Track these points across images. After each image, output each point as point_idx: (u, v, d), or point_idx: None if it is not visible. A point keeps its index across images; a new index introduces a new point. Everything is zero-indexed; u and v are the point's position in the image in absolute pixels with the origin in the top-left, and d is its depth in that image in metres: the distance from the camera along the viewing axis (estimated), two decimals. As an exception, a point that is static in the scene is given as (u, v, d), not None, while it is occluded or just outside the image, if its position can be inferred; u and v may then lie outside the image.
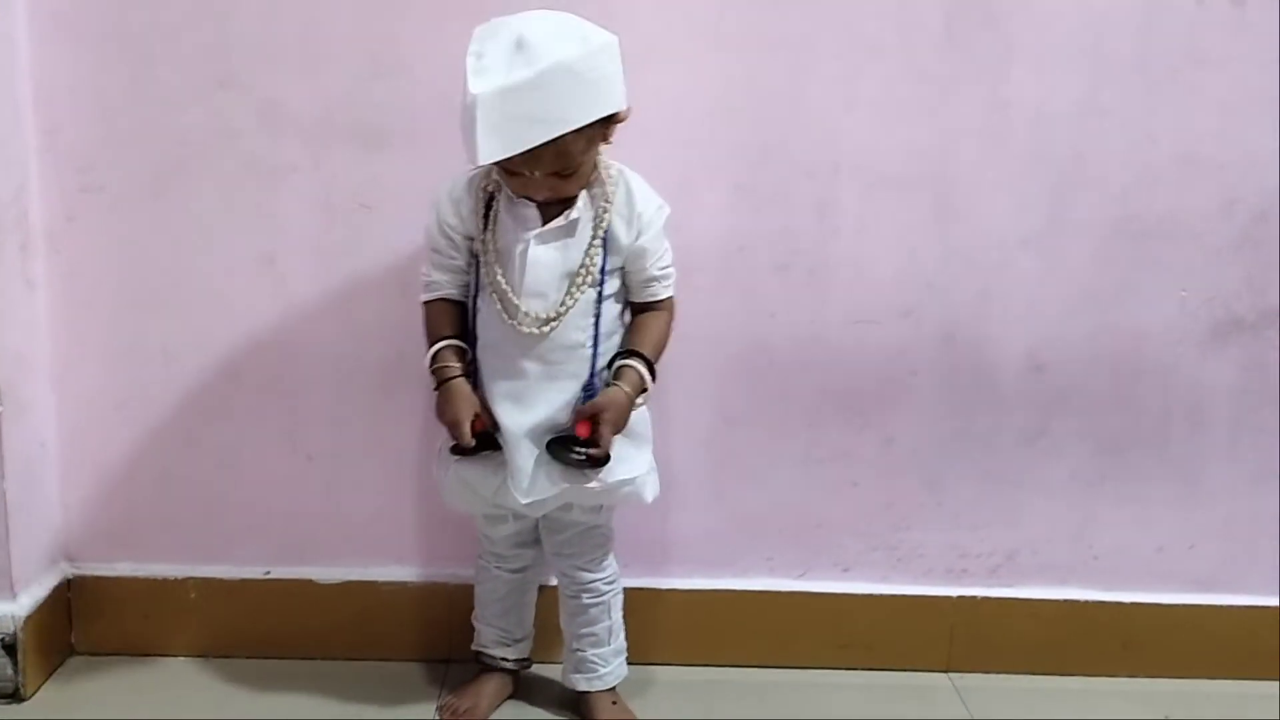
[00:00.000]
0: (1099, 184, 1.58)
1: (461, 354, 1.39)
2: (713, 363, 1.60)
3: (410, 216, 1.45)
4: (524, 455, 1.36)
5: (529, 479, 1.36)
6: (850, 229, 1.57)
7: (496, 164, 1.26)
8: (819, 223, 1.56)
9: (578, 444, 1.33)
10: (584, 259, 1.34)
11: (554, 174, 1.28)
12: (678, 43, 1.47)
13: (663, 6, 1.46)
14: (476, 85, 1.21)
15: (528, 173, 1.27)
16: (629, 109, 1.30)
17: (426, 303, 1.41)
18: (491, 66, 1.21)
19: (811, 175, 1.55)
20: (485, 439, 1.36)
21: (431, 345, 1.40)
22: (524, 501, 1.37)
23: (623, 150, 1.35)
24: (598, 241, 1.34)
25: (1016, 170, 1.56)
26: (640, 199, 1.36)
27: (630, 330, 1.41)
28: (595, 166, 1.34)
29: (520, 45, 1.21)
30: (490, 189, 1.36)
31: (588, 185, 1.34)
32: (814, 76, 1.52)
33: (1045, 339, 1.62)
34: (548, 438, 1.35)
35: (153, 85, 1.48)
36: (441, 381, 1.37)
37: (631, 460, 1.41)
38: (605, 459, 1.34)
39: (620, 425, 1.35)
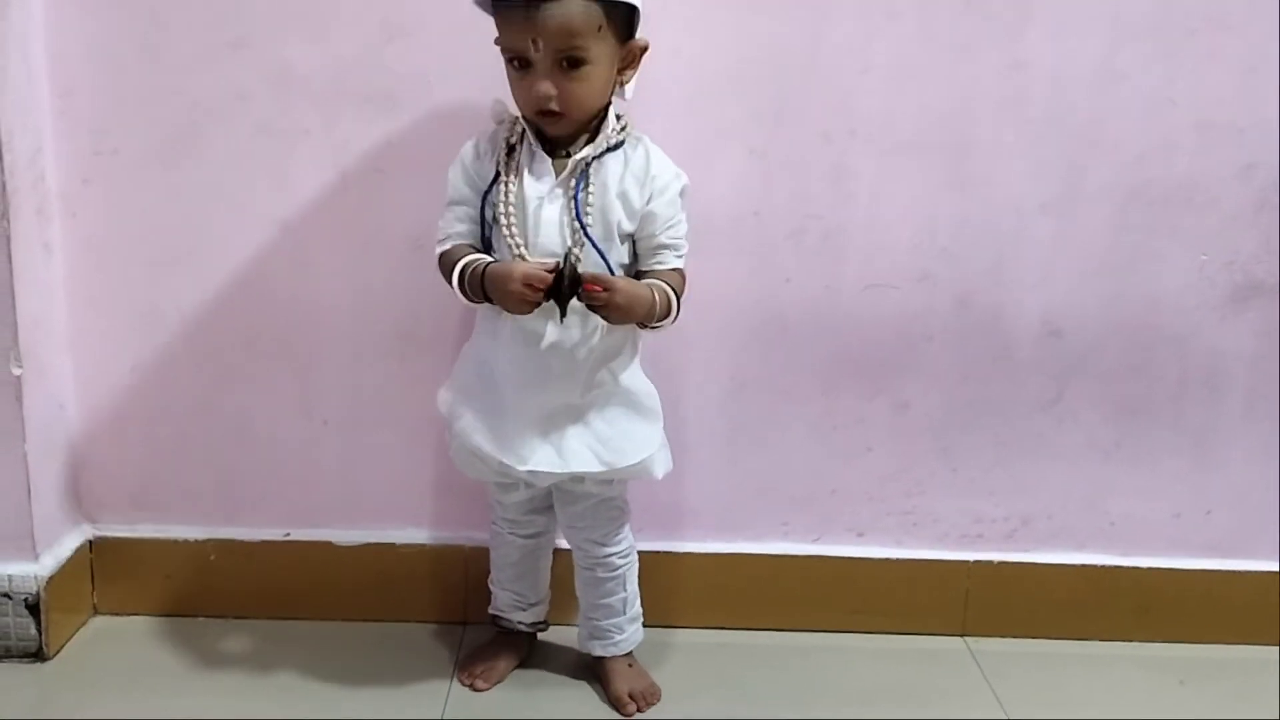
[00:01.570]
0: (1116, 148, 1.56)
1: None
2: (727, 328, 1.60)
3: (423, 180, 1.45)
4: (527, 422, 1.36)
5: (529, 447, 1.36)
6: (865, 194, 1.56)
7: (502, 47, 1.26)
8: (834, 188, 1.55)
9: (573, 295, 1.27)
10: (589, 211, 1.32)
11: (560, 65, 1.25)
12: (692, 5, 1.46)
13: None
14: None
15: (533, 48, 1.24)
16: (648, 44, 1.30)
17: (443, 252, 1.37)
18: None
19: (827, 140, 1.53)
20: (559, 277, 1.26)
21: (456, 269, 1.33)
22: (521, 469, 1.37)
23: (638, 113, 1.35)
24: (592, 190, 1.32)
25: (1033, 135, 1.55)
26: (657, 164, 1.35)
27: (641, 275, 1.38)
28: (609, 110, 1.33)
29: None
30: (513, 140, 1.34)
31: (602, 127, 1.32)
32: (829, 40, 1.51)
33: (1061, 305, 1.61)
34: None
35: (166, 48, 1.48)
36: (483, 272, 1.30)
37: (642, 439, 1.41)
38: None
39: (628, 314, 1.30)
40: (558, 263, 1.26)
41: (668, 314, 1.34)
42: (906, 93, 1.53)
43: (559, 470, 1.37)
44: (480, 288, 1.31)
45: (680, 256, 1.38)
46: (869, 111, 1.53)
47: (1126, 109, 1.55)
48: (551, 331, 1.32)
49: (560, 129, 1.31)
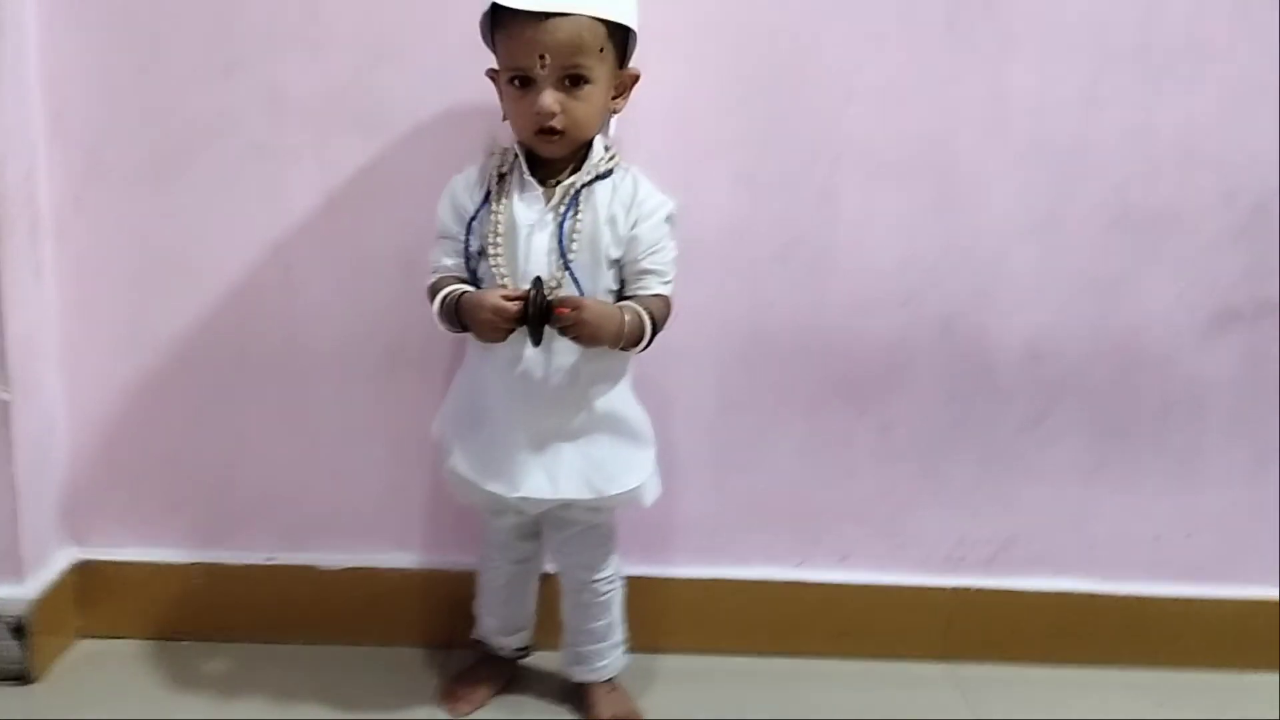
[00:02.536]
0: (1099, 174, 1.58)
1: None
2: (713, 350, 1.61)
3: (412, 201, 1.46)
4: (518, 448, 1.37)
5: (521, 473, 1.37)
6: (851, 217, 1.58)
7: (504, 66, 1.28)
8: (820, 211, 1.57)
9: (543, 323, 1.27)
10: (576, 238, 1.33)
11: (562, 83, 1.27)
12: (680, 33, 1.48)
13: None
14: None
15: (539, 64, 1.26)
16: (639, 74, 1.33)
17: (430, 284, 1.38)
18: None
19: (812, 164, 1.56)
20: (526, 305, 1.26)
21: (436, 301, 1.35)
22: (512, 496, 1.38)
23: (627, 137, 1.37)
24: (580, 216, 1.33)
25: (1017, 160, 1.57)
26: (644, 190, 1.36)
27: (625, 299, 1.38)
28: (604, 135, 1.35)
29: None
30: (504, 169, 1.35)
31: (590, 154, 1.34)
32: (815, 66, 1.53)
33: (1044, 328, 1.63)
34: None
35: (158, 70, 1.49)
36: (457, 301, 1.32)
37: (635, 467, 1.41)
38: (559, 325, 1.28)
39: (596, 333, 1.28)
40: (528, 290, 1.26)
41: (641, 337, 1.33)
42: (892, 118, 1.55)
43: (550, 496, 1.38)
44: (457, 317, 1.32)
45: (665, 283, 1.37)
46: (855, 136, 1.55)
47: (1109, 136, 1.57)
48: (527, 355, 1.32)
49: (557, 150, 1.32)
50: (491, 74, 1.34)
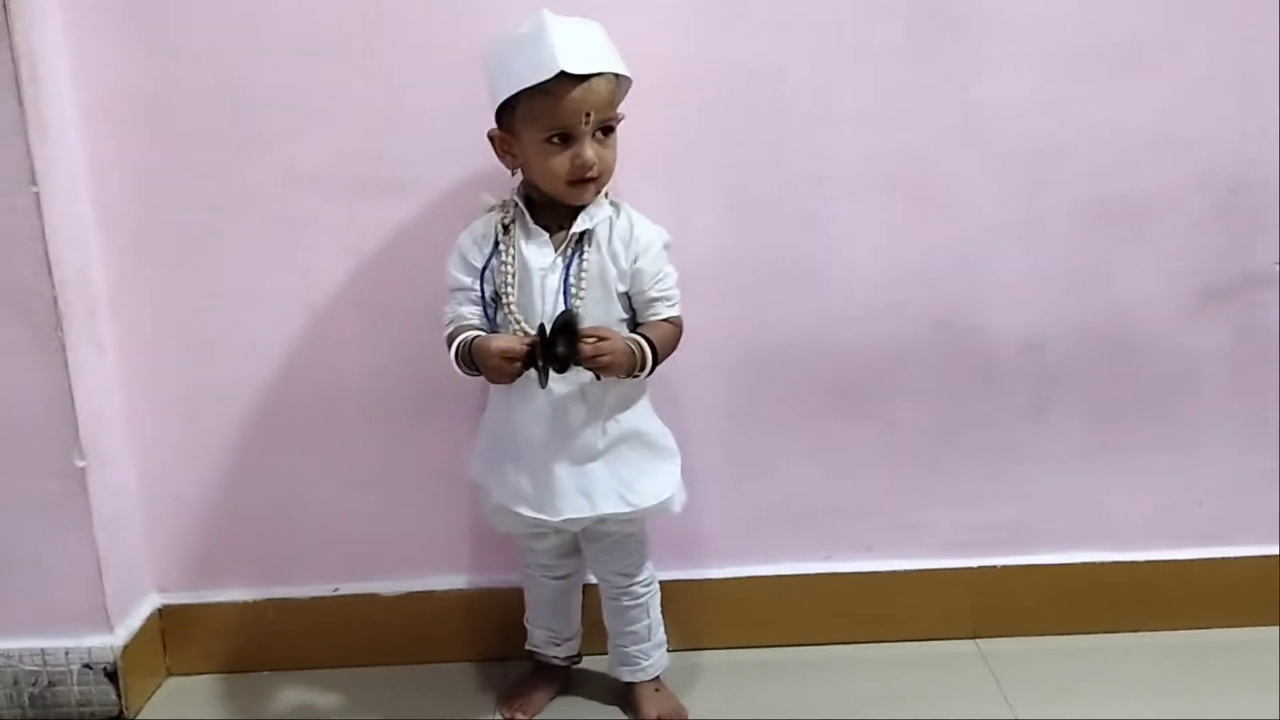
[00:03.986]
0: (1076, 171, 1.64)
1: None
2: (720, 368, 1.70)
3: (428, 256, 1.56)
4: (554, 476, 1.46)
5: (561, 499, 1.46)
6: (837, 234, 1.65)
7: (543, 126, 1.37)
8: (807, 231, 1.65)
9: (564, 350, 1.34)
10: (584, 277, 1.43)
11: (595, 135, 1.38)
12: (659, 74, 1.54)
13: (644, 41, 1.51)
14: (529, 22, 1.35)
15: (583, 124, 1.36)
16: (624, 115, 1.43)
17: (446, 336, 1.47)
18: (532, 22, 1.36)
19: (796, 187, 1.63)
20: (536, 347, 1.34)
21: (451, 349, 1.44)
22: (556, 520, 1.47)
23: (620, 175, 1.46)
24: (586, 259, 1.43)
25: (994, 166, 1.64)
26: (639, 225, 1.47)
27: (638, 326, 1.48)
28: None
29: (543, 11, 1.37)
30: (507, 221, 1.45)
31: (596, 202, 1.44)
32: (789, 95, 1.60)
33: (1037, 321, 1.69)
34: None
35: (188, 156, 1.60)
36: (469, 347, 1.41)
37: (663, 478, 1.51)
38: (572, 363, 1.35)
39: (614, 364, 1.37)
40: (534, 336, 1.35)
41: (645, 364, 1.43)
42: (868, 138, 1.62)
43: (589, 515, 1.47)
44: (470, 362, 1.43)
45: (672, 306, 1.48)
46: (833, 158, 1.63)
47: (1082, 133, 1.63)
48: (550, 387, 1.42)
49: (589, 197, 1.43)
50: (500, 135, 1.43)
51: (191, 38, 1.57)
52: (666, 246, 1.48)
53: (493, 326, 1.47)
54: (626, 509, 1.48)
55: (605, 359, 1.36)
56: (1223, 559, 1.77)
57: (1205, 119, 1.63)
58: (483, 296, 1.46)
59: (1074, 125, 1.63)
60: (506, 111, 1.41)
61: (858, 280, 1.67)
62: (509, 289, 1.43)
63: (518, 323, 1.43)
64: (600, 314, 1.44)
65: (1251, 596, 1.77)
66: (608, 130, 1.41)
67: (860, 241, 1.66)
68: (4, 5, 1.43)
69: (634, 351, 1.41)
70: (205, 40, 1.57)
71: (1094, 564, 1.78)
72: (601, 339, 1.36)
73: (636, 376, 1.44)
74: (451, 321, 1.48)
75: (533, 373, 1.37)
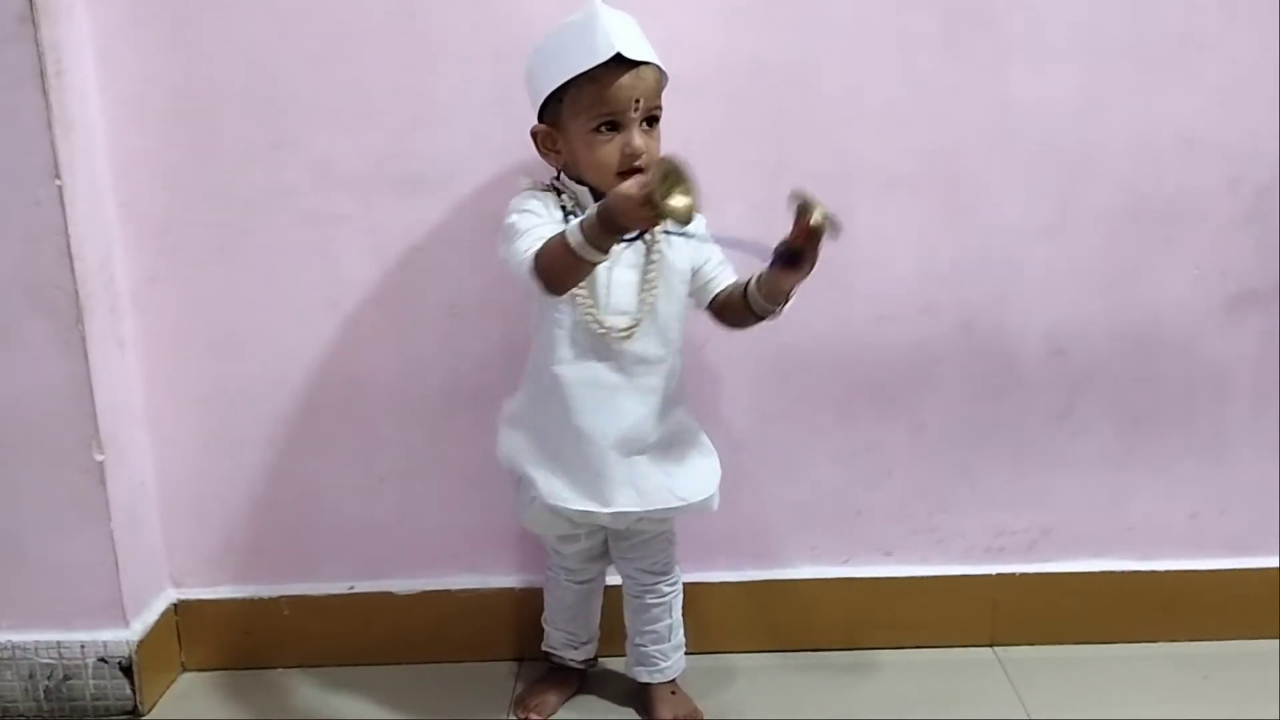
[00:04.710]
0: (1106, 171, 1.64)
1: None
2: (747, 366, 1.69)
3: (455, 253, 1.57)
4: (612, 465, 1.43)
5: (612, 490, 1.43)
6: (867, 232, 1.63)
7: (593, 114, 1.35)
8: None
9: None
10: (651, 268, 1.43)
11: (642, 124, 1.37)
12: (688, 70, 1.53)
13: (676, 37, 1.52)
14: (583, 12, 1.34)
15: (634, 107, 1.35)
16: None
17: (535, 252, 1.32)
18: (583, 11, 1.35)
19: (824, 185, 1.56)
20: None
21: (567, 234, 1.28)
22: (607, 512, 1.44)
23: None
24: (657, 251, 1.43)
25: (1024, 165, 1.63)
26: None
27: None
28: None
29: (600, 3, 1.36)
30: (569, 207, 1.42)
31: None
32: (819, 93, 1.60)
33: (1064, 324, 1.69)
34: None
35: (214, 153, 1.60)
36: (596, 211, 1.27)
37: (709, 473, 1.51)
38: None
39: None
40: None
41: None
42: (897, 135, 1.62)
43: (641, 509, 1.45)
44: (596, 224, 1.25)
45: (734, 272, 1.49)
46: (863, 155, 1.62)
47: (1113, 133, 1.62)
48: (605, 379, 1.42)
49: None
50: (544, 130, 1.41)
51: (218, 34, 1.57)
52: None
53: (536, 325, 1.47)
54: (676, 503, 1.47)
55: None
56: (1250, 570, 1.75)
57: (1237, 122, 1.62)
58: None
59: (1106, 126, 1.62)
60: (551, 105, 1.39)
61: (887, 279, 1.67)
62: None
63: (588, 309, 1.40)
64: (673, 305, 1.45)
65: (1277, 608, 1.76)
66: (653, 121, 1.40)
67: (889, 241, 1.65)
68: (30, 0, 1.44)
69: None
70: (231, 37, 1.57)
71: (1117, 573, 1.76)
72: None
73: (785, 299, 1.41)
74: (532, 245, 1.33)
75: (601, 341, 1.39)
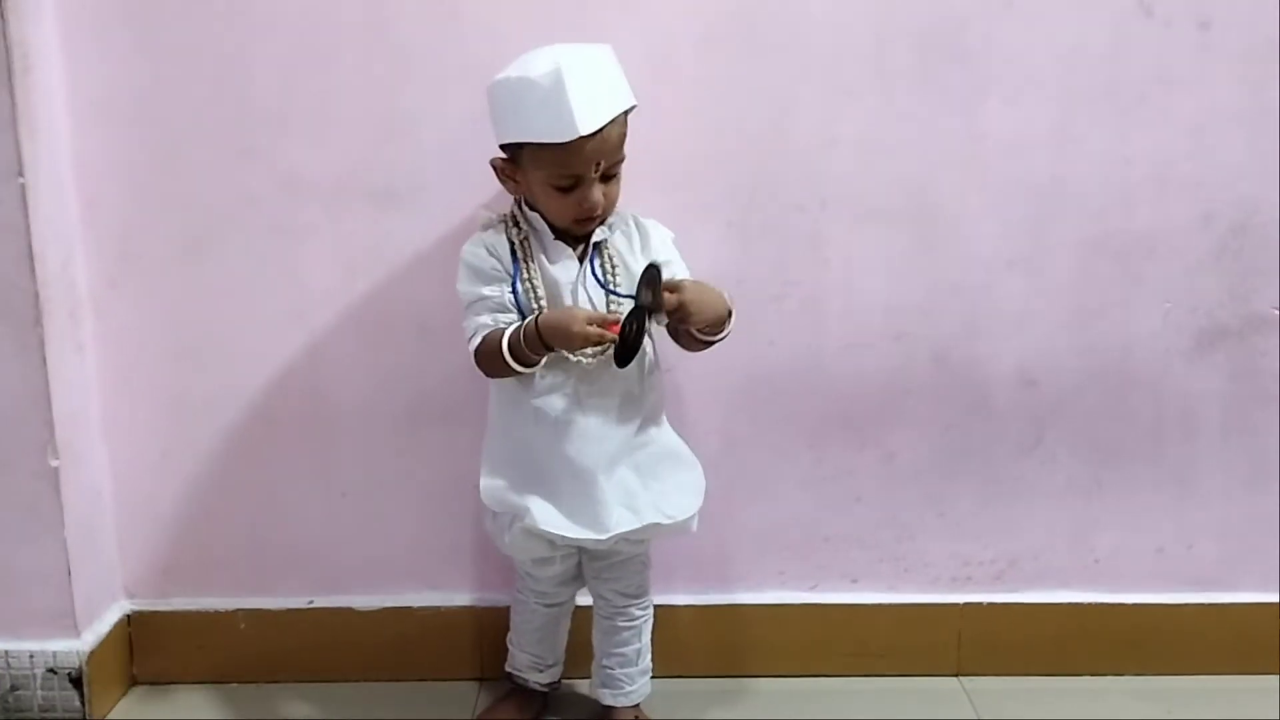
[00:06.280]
0: (1078, 206, 1.64)
1: None
2: (718, 390, 1.68)
3: (423, 268, 1.56)
4: (602, 488, 1.42)
5: (605, 513, 1.42)
6: (840, 260, 1.64)
7: (553, 174, 1.35)
8: (810, 255, 1.64)
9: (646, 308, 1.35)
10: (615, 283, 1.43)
11: (605, 176, 1.37)
12: (667, 94, 1.55)
13: (652, 62, 1.54)
14: (545, 66, 1.31)
15: (592, 171, 1.35)
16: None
17: (479, 343, 1.41)
18: (544, 58, 1.33)
19: (800, 211, 1.62)
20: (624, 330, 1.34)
21: (504, 342, 1.38)
22: (605, 537, 1.42)
23: (626, 194, 1.44)
24: (620, 272, 1.43)
25: (997, 198, 1.63)
26: (647, 222, 1.49)
27: None
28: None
29: (556, 48, 1.35)
30: (521, 238, 1.43)
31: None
32: (796, 121, 1.60)
33: (1035, 355, 1.69)
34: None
35: (181, 159, 1.59)
36: (535, 325, 1.36)
37: (695, 488, 1.50)
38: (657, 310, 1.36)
39: (700, 312, 1.39)
40: (625, 317, 1.34)
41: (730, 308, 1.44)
42: (873, 164, 1.61)
43: (635, 527, 1.43)
44: (538, 342, 1.36)
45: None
46: (837, 184, 1.62)
47: (1085, 169, 1.63)
48: (580, 401, 1.41)
49: (594, 228, 1.42)
50: (502, 164, 1.41)
51: (188, 40, 1.56)
52: (675, 242, 1.49)
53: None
54: (668, 521, 1.45)
55: (690, 299, 1.37)
56: (1216, 605, 1.75)
57: (1209, 160, 1.63)
58: (516, 304, 1.41)
59: (1078, 161, 1.62)
60: (512, 147, 1.39)
61: (859, 308, 1.66)
62: (537, 305, 1.41)
63: None
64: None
65: (1246, 645, 1.75)
66: (613, 169, 1.40)
67: (862, 270, 1.65)
68: (-2, -4, 1.42)
69: (718, 291, 1.41)
70: (201, 42, 1.56)
71: (1083, 604, 1.76)
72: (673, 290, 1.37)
73: (722, 331, 1.44)
74: (476, 333, 1.42)
75: (575, 364, 1.38)
